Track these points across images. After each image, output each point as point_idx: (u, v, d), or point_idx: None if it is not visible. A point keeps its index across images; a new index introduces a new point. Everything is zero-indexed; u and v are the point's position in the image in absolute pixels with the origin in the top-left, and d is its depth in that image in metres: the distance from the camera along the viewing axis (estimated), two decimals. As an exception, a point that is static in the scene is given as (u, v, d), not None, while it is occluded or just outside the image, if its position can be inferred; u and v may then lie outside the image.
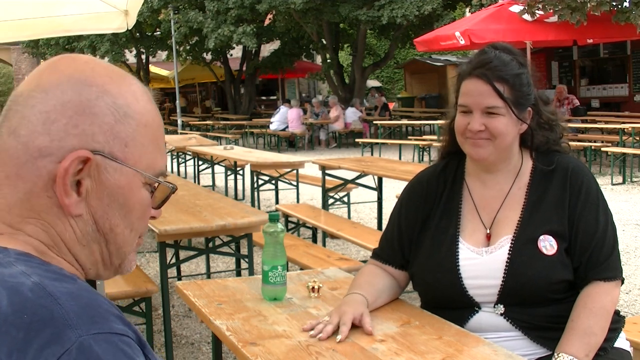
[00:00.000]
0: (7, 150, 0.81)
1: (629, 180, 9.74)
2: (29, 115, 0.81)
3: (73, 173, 0.80)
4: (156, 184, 0.89)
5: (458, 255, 1.81)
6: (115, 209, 0.85)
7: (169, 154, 11.40)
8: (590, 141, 11.02)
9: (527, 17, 11.40)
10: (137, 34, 23.71)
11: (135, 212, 0.87)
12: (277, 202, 7.63)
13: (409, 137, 16.14)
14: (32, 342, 0.70)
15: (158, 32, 24.22)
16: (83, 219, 0.83)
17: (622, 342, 1.84)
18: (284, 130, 17.28)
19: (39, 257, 0.81)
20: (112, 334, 0.73)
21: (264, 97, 30.88)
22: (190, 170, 10.91)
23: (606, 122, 13.00)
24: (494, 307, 1.78)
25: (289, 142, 17.74)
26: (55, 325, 0.71)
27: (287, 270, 2.02)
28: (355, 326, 1.67)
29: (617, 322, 1.84)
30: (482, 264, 1.79)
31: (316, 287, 1.96)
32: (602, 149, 10.19)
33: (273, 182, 7.36)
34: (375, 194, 6.32)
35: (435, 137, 13.18)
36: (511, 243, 1.78)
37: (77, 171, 0.81)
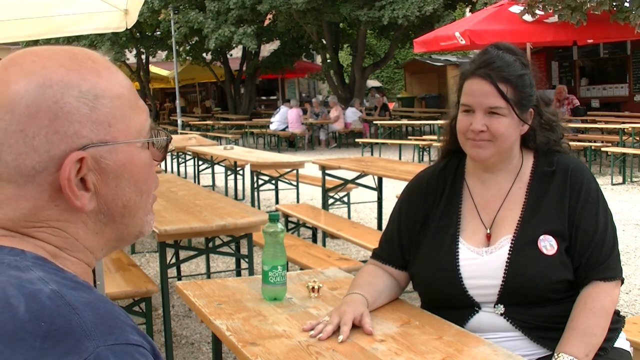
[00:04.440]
0: (0, 176, 0.80)
1: (629, 180, 9.74)
2: (6, 139, 0.78)
3: (74, 175, 0.79)
4: (152, 143, 0.88)
5: (458, 255, 1.81)
6: (123, 186, 0.84)
7: (169, 154, 11.41)
8: (590, 141, 11.02)
9: (527, 17, 11.41)
10: (137, 34, 23.71)
11: (142, 177, 0.86)
12: (277, 202, 7.63)
13: (409, 137, 16.15)
14: (49, 351, 0.69)
15: (158, 32, 24.22)
16: (94, 211, 0.83)
17: (622, 342, 1.84)
18: (284, 130, 17.28)
19: (53, 261, 0.81)
20: (128, 344, 0.73)
21: (264, 97, 30.89)
22: (190, 170, 10.91)
23: (606, 122, 13.00)
24: (494, 307, 1.78)
25: (289, 142, 17.74)
26: (73, 335, 0.70)
27: (287, 270, 2.02)
28: (355, 326, 1.67)
29: (617, 322, 1.84)
30: (482, 264, 1.79)
31: (316, 287, 1.96)
32: (602, 149, 10.19)
33: (273, 182, 7.36)
34: (375, 194, 6.32)
35: (435, 137, 13.19)
36: (511, 243, 1.78)
37: (76, 172, 0.80)
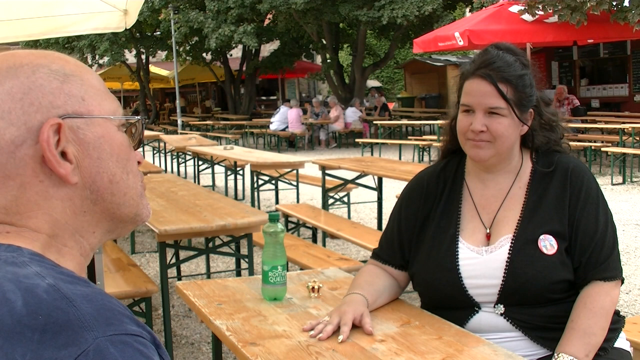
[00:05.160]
0: None
1: (629, 180, 9.74)
2: None
3: (54, 145, 0.81)
4: (127, 124, 0.90)
5: (458, 254, 1.81)
6: (105, 159, 0.85)
7: (169, 153, 11.42)
8: (590, 141, 11.02)
9: (527, 17, 11.41)
10: (137, 34, 23.71)
11: (123, 155, 0.88)
12: (277, 202, 7.63)
13: (409, 137, 16.14)
14: (48, 344, 0.70)
15: (158, 32, 24.22)
16: (79, 185, 0.84)
17: (622, 342, 1.84)
18: (284, 130, 17.29)
19: (48, 256, 0.82)
20: (127, 335, 0.73)
21: (264, 97, 30.90)
22: (190, 170, 10.91)
23: (606, 122, 13.00)
24: (494, 307, 1.78)
25: (289, 142, 17.75)
26: (72, 328, 0.71)
27: (287, 270, 2.02)
28: (355, 326, 1.67)
29: (617, 322, 1.84)
30: (482, 263, 1.79)
31: (316, 287, 1.96)
32: (602, 149, 10.19)
33: (273, 182, 7.36)
34: (375, 194, 6.32)
35: (435, 137, 13.19)
36: (511, 243, 1.78)
37: (56, 143, 0.81)
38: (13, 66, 0.82)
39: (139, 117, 0.92)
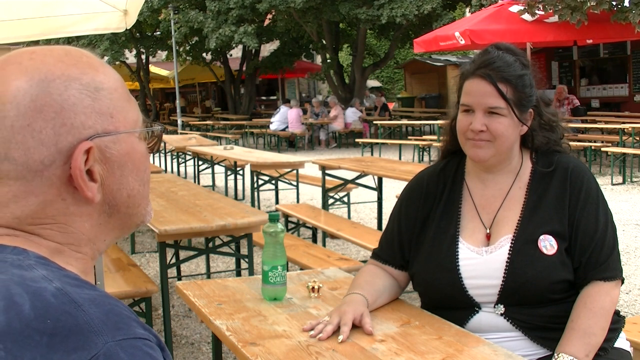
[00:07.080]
0: (7, 174, 0.80)
1: (629, 180, 9.74)
2: (13, 136, 0.78)
3: (83, 167, 0.80)
4: (148, 133, 0.90)
5: (458, 255, 1.81)
6: (127, 175, 0.86)
7: (169, 153, 11.42)
8: (590, 141, 11.02)
9: (527, 16, 11.41)
10: (137, 34, 23.71)
11: (142, 166, 0.88)
12: (277, 202, 7.63)
13: (409, 137, 16.14)
14: (57, 348, 0.70)
15: (158, 32, 24.22)
16: (99, 202, 0.84)
17: (622, 342, 1.84)
18: (284, 130, 17.29)
19: (55, 260, 0.81)
20: (136, 339, 0.73)
21: (264, 97, 30.90)
22: (190, 170, 10.91)
23: (606, 122, 13.00)
24: (494, 307, 1.78)
25: (289, 142, 17.75)
26: (81, 332, 0.71)
27: (287, 270, 2.02)
28: (355, 326, 1.67)
29: (617, 322, 1.84)
30: (482, 263, 1.79)
31: (316, 287, 1.96)
32: (602, 149, 10.19)
33: (273, 182, 7.36)
34: (375, 194, 6.32)
35: (435, 137, 13.19)
36: (511, 243, 1.78)
37: (83, 163, 0.80)
38: (45, 78, 0.80)
39: (160, 127, 0.93)
